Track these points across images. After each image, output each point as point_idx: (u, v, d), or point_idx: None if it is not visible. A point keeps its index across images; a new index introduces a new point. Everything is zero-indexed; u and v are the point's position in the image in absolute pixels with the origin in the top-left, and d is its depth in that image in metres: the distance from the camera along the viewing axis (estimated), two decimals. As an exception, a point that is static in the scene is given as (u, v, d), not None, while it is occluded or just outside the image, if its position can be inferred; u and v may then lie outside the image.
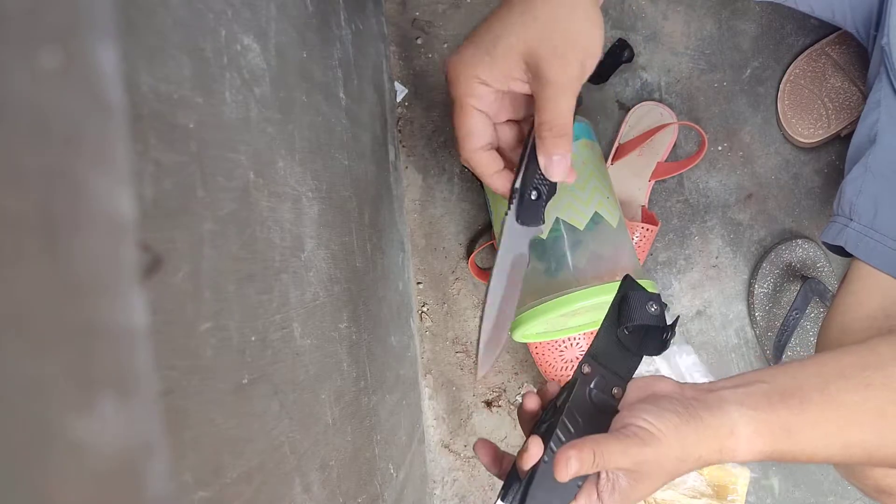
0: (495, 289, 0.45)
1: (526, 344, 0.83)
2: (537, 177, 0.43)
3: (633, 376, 0.43)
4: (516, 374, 0.85)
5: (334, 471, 0.44)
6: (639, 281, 0.63)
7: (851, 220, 0.58)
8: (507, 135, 0.44)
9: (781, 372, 0.41)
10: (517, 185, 0.43)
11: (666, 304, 0.44)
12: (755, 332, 0.82)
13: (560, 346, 0.80)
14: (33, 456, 0.14)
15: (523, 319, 0.64)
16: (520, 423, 0.46)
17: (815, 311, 0.79)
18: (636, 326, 0.43)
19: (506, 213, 0.44)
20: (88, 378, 0.16)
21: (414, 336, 0.81)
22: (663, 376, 0.43)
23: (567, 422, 0.41)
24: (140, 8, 0.24)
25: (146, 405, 0.17)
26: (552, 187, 0.44)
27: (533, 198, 0.43)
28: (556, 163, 0.39)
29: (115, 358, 0.16)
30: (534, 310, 0.63)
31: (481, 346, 0.45)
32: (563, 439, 0.40)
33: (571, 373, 0.80)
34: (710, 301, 0.83)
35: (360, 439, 0.51)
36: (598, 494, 0.40)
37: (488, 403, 0.85)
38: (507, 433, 0.85)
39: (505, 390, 0.85)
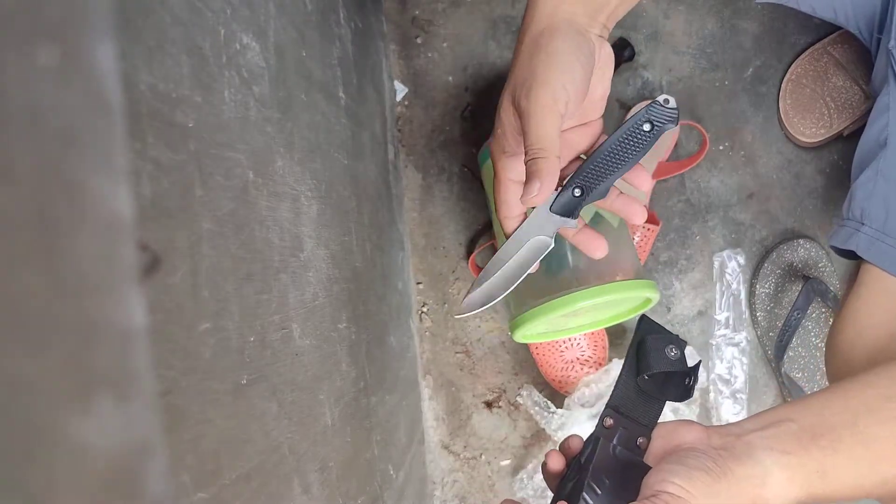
0: (505, 253, 0.44)
1: (526, 344, 0.82)
2: (588, 178, 0.44)
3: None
4: (516, 374, 0.85)
5: (334, 472, 0.44)
6: (639, 281, 0.63)
7: (863, 224, 0.58)
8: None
9: (807, 408, 0.40)
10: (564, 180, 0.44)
11: (685, 342, 0.42)
12: (756, 332, 0.82)
13: (560, 346, 0.80)
14: (32, 456, 0.14)
15: (524, 320, 0.64)
16: (545, 479, 0.45)
17: (817, 312, 0.78)
18: (658, 372, 0.42)
19: None
20: (87, 378, 0.15)
21: (414, 336, 0.81)
22: (688, 421, 0.41)
23: (593, 484, 0.40)
24: (138, 6, 0.24)
25: (144, 405, 0.17)
26: (601, 192, 0.44)
27: (576, 194, 0.44)
28: (539, 186, 0.40)
29: (113, 358, 0.16)
30: (534, 310, 0.63)
31: (471, 295, 0.45)
32: (591, 502, 0.40)
33: (572, 373, 0.80)
34: (711, 301, 0.83)
35: (359, 440, 0.51)
36: None
37: (488, 404, 0.85)
38: (506, 434, 0.85)
39: (505, 391, 0.85)
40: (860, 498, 0.39)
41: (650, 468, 0.39)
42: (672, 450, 0.40)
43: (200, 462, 0.27)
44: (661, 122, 0.43)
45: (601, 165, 0.43)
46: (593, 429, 0.42)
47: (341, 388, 0.47)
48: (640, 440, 0.41)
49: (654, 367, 0.40)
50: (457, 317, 0.42)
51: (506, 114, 0.41)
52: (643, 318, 0.43)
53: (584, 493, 0.39)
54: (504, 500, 0.45)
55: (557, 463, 0.44)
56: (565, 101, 0.40)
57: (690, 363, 0.42)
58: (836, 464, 0.37)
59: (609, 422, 0.41)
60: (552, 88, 0.40)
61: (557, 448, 0.44)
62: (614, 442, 0.41)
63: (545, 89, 0.40)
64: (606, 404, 0.42)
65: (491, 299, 0.46)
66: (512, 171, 0.42)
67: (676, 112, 0.43)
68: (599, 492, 0.40)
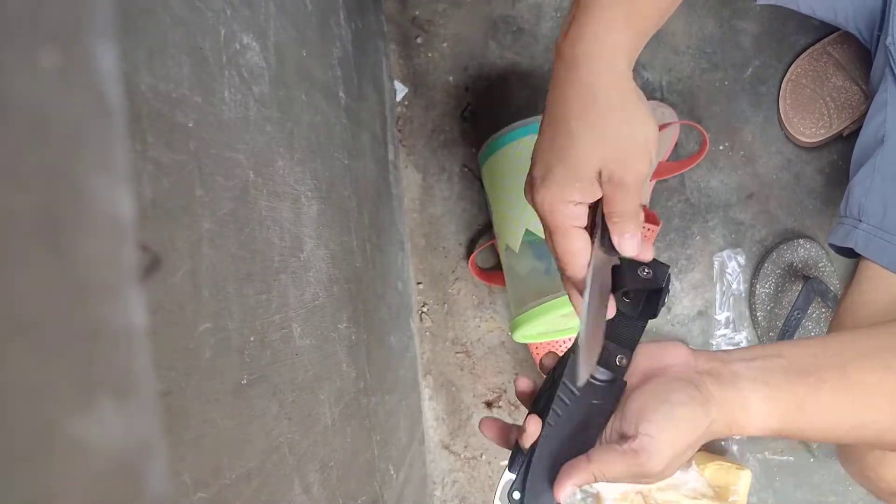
0: (593, 294, 0.43)
1: (526, 344, 0.82)
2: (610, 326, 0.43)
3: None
4: (516, 374, 0.85)
5: (334, 471, 0.44)
6: None
7: (861, 221, 0.58)
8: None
9: (802, 347, 0.40)
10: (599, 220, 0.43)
11: (666, 265, 0.42)
12: (757, 332, 0.82)
13: (560, 346, 0.80)
14: (32, 456, 0.14)
15: (523, 320, 0.64)
16: (519, 401, 0.46)
17: (817, 311, 0.78)
18: (635, 292, 0.43)
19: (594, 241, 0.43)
20: (88, 378, 0.15)
21: (414, 336, 0.81)
22: (675, 342, 0.42)
23: (563, 397, 0.41)
24: (139, 7, 0.24)
25: (145, 405, 0.17)
26: (628, 332, 0.44)
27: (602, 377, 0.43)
28: (628, 239, 0.41)
29: (114, 358, 0.16)
30: (534, 310, 0.63)
31: (582, 348, 0.44)
32: (560, 414, 0.41)
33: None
34: (711, 301, 0.83)
35: (359, 440, 0.51)
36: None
37: (488, 404, 0.85)
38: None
39: (505, 391, 0.85)
40: (841, 439, 0.39)
41: (625, 383, 0.41)
42: (658, 370, 0.41)
43: (201, 462, 0.27)
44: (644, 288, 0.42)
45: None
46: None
47: (341, 388, 0.47)
48: (620, 358, 0.42)
49: (627, 284, 0.41)
50: (579, 385, 0.42)
51: (591, 176, 0.40)
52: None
53: (554, 406, 0.41)
54: (483, 418, 0.46)
55: (524, 384, 0.45)
56: (654, 163, 0.41)
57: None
58: (817, 401, 0.38)
59: None
60: (648, 159, 0.40)
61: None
62: None
63: (643, 163, 0.40)
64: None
65: (598, 345, 0.44)
66: (579, 220, 0.42)
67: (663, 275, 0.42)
68: (569, 402, 0.41)
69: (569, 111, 0.40)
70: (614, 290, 0.42)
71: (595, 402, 0.41)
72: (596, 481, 0.38)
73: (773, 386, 0.38)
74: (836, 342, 0.41)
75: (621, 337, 0.42)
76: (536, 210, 0.43)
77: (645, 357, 0.42)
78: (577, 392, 0.41)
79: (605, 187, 0.41)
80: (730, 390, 0.38)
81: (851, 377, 0.38)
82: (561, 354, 0.45)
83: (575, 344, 0.42)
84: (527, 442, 0.41)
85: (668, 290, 0.42)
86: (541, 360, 0.46)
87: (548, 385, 0.44)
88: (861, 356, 0.39)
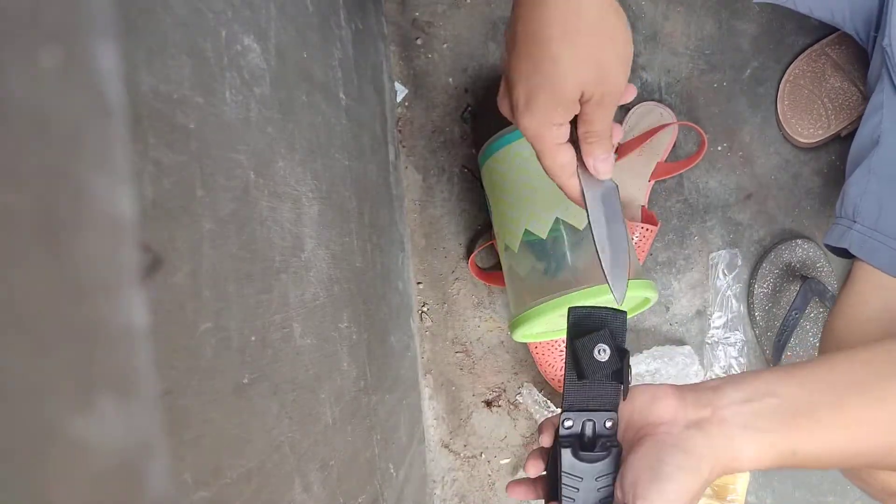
0: (598, 222, 0.45)
1: (526, 344, 0.83)
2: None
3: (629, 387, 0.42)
4: (516, 373, 0.85)
5: (334, 471, 0.44)
6: (637, 280, 0.63)
7: (855, 221, 0.58)
8: None
9: (795, 384, 0.39)
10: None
11: (619, 321, 0.41)
12: (755, 332, 0.82)
13: (560, 346, 0.80)
14: (33, 455, 0.14)
15: (523, 319, 0.64)
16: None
17: (815, 311, 0.79)
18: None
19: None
20: (89, 378, 0.16)
21: (414, 336, 0.81)
22: (663, 390, 0.41)
23: (569, 484, 0.41)
24: (140, 8, 0.24)
25: (146, 405, 0.17)
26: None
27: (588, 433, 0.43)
28: (603, 161, 0.44)
29: (115, 358, 0.16)
30: (534, 310, 0.63)
31: (608, 274, 0.45)
32: (573, 498, 0.41)
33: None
34: (709, 301, 0.83)
35: (359, 439, 0.51)
36: None
37: (488, 403, 0.85)
38: (506, 433, 0.85)
39: (505, 390, 0.85)
40: (836, 467, 0.39)
41: (620, 446, 0.41)
42: (649, 428, 0.40)
43: (201, 461, 0.27)
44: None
45: None
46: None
47: (342, 388, 0.48)
48: (608, 423, 0.42)
49: (587, 374, 0.40)
50: (620, 306, 0.42)
51: (574, 98, 0.41)
52: (570, 311, 0.42)
53: (564, 494, 0.41)
54: (508, 483, 0.47)
55: (534, 469, 0.45)
56: (626, 80, 0.42)
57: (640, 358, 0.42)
58: (811, 441, 0.38)
59: (569, 423, 0.42)
60: (624, 76, 0.41)
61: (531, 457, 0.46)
62: (582, 435, 0.42)
63: (622, 80, 0.41)
64: (562, 408, 0.42)
65: (624, 263, 0.46)
66: (562, 137, 0.44)
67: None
68: (578, 488, 0.41)
69: (550, 32, 0.40)
70: (577, 377, 0.41)
71: (601, 477, 0.41)
72: None
73: (765, 431, 0.38)
74: (827, 370, 0.40)
75: (600, 402, 0.42)
76: (521, 131, 0.44)
77: (635, 412, 0.42)
78: (581, 476, 0.41)
79: (584, 107, 0.42)
80: (720, 440, 0.38)
81: (847, 414, 0.38)
82: (559, 409, 0.45)
83: (559, 427, 0.42)
84: None
85: (630, 380, 0.41)
86: (540, 429, 0.46)
87: (552, 467, 0.43)
88: (856, 388, 0.39)
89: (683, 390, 0.41)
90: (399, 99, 0.82)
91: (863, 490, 0.54)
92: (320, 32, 0.49)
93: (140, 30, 0.24)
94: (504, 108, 0.44)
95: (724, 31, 0.81)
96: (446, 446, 0.86)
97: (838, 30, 0.74)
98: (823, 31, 0.79)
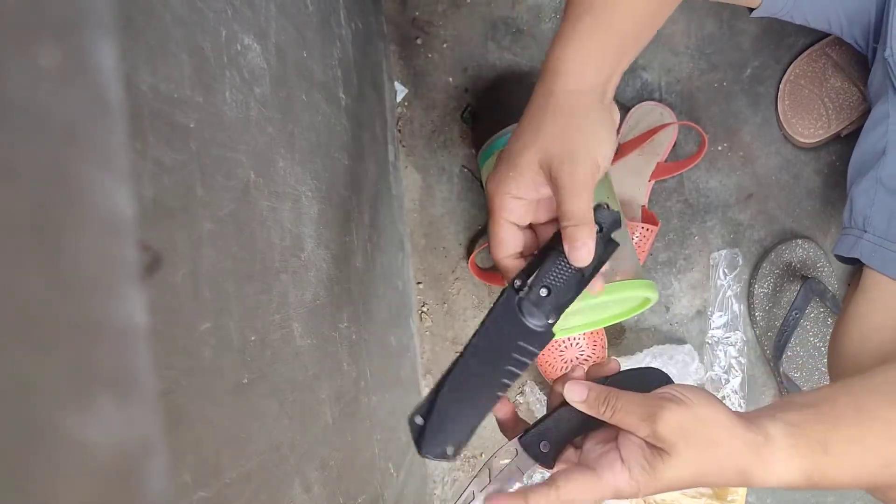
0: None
1: (526, 344, 0.82)
2: (553, 273, 0.42)
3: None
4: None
5: (334, 471, 0.44)
6: (638, 281, 0.63)
7: (865, 231, 0.59)
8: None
9: (807, 394, 0.40)
10: (530, 278, 0.42)
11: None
12: (755, 331, 0.82)
13: (560, 346, 0.80)
14: (33, 455, 0.14)
15: (523, 319, 0.64)
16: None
17: (815, 311, 0.79)
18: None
19: (503, 293, 0.42)
20: (88, 378, 0.15)
21: (414, 336, 0.81)
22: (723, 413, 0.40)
23: (489, 324, 0.41)
24: (140, 6, 0.24)
25: (145, 405, 0.17)
26: (567, 292, 0.42)
27: (542, 294, 0.42)
28: (579, 248, 0.41)
29: (114, 357, 0.16)
30: (534, 310, 0.63)
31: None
32: (480, 345, 0.41)
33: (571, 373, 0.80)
34: (710, 301, 0.83)
35: (359, 439, 0.51)
36: (622, 462, 0.38)
37: (488, 403, 0.85)
38: (506, 433, 0.85)
39: (505, 390, 0.85)
40: (864, 483, 0.39)
41: (550, 333, 0.42)
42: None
43: (201, 461, 0.27)
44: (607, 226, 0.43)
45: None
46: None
47: (342, 388, 0.47)
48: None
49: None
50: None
51: (529, 171, 0.41)
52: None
53: (476, 337, 0.41)
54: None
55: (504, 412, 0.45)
56: (599, 174, 0.41)
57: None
58: (838, 438, 0.37)
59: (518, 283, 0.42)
60: (591, 164, 0.40)
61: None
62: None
63: (585, 166, 0.40)
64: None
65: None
66: (512, 213, 0.43)
67: (618, 213, 0.44)
68: (491, 335, 0.41)
69: (537, 102, 0.42)
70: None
71: (521, 342, 0.41)
72: (606, 413, 0.38)
73: (792, 423, 0.38)
74: (843, 384, 0.41)
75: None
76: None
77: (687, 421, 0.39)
78: (506, 327, 0.41)
79: (552, 188, 0.41)
80: (751, 428, 0.37)
81: (866, 411, 0.38)
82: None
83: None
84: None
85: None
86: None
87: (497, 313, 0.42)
88: (872, 392, 0.39)
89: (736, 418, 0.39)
90: (399, 99, 0.82)
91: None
92: (320, 32, 0.49)
93: (140, 29, 0.24)
94: None
95: (724, 30, 0.81)
96: (446, 446, 0.86)
97: (838, 30, 0.74)
98: (824, 31, 0.79)
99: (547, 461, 0.42)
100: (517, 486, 0.42)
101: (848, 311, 0.60)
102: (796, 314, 0.76)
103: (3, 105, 0.13)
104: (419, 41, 0.82)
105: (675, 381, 0.43)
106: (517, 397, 0.84)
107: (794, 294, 0.77)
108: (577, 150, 0.40)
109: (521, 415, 0.43)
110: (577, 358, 0.79)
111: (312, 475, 0.40)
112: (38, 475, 0.14)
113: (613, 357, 0.45)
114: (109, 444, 0.16)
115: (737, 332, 0.81)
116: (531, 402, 0.79)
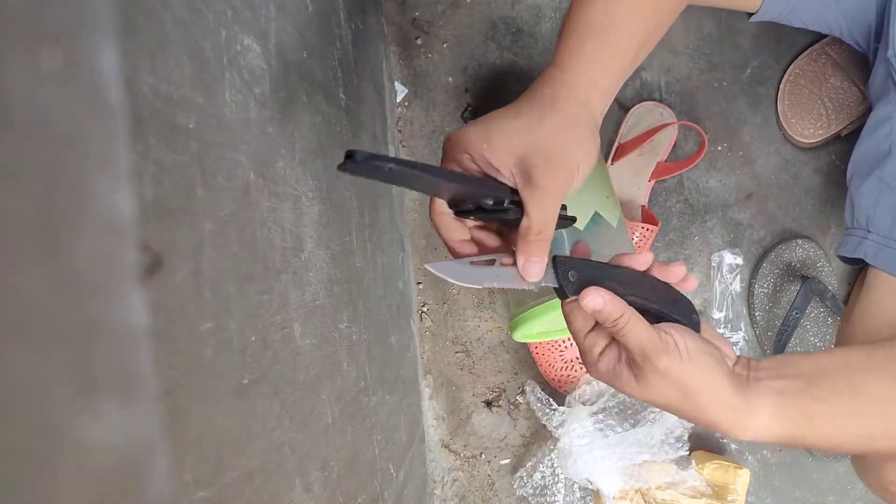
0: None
1: (526, 344, 0.83)
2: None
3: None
4: (516, 373, 0.85)
5: (335, 471, 0.44)
6: None
7: (869, 231, 0.59)
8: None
9: (808, 360, 0.41)
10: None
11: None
12: (755, 331, 0.82)
13: (560, 346, 0.80)
14: (35, 455, 0.14)
15: (523, 319, 0.64)
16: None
17: (815, 311, 0.79)
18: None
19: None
20: (90, 378, 0.16)
21: (414, 336, 0.81)
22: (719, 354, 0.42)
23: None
24: (140, 8, 0.24)
25: (147, 405, 0.17)
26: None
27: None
28: (533, 263, 0.41)
29: (115, 358, 0.16)
30: (534, 310, 0.63)
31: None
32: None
33: (571, 373, 0.80)
34: (710, 301, 0.83)
35: (360, 439, 0.51)
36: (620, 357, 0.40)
37: (488, 403, 0.85)
38: (506, 433, 0.85)
39: (505, 390, 0.85)
40: (851, 449, 0.40)
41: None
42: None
43: (202, 461, 0.27)
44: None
45: None
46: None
47: (342, 388, 0.48)
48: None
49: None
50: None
51: (500, 157, 0.39)
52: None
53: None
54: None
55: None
56: (575, 185, 0.41)
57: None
58: (825, 411, 0.39)
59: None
60: (571, 172, 0.40)
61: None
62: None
63: (565, 171, 0.39)
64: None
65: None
66: (458, 164, 0.41)
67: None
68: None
69: (523, 108, 0.40)
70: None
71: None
72: (615, 323, 0.39)
73: (782, 393, 0.39)
74: (844, 353, 0.42)
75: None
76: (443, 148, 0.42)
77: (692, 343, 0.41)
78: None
79: (521, 186, 0.40)
80: (741, 391, 0.39)
81: (859, 387, 0.39)
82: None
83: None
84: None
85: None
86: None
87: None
88: (870, 367, 0.40)
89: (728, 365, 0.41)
90: (399, 99, 0.82)
91: (878, 494, 0.53)
92: (320, 33, 0.49)
93: (140, 30, 0.24)
94: None
95: (724, 30, 0.81)
96: (446, 446, 0.86)
97: (838, 30, 0.74)
98: (823, 30, 0.79)
99: (566, 289, 0.41)
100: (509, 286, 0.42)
101: (853, 310, 0.60)
102: (796, 314, 0.76)
103: (5, 107, 0.13)
104: (419, 41, 0.82)
105: None
106: (517, 397, 0.85)
107: (794, 294, 0.77)
108: (560, 160, 0.39)
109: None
110: (578, 358, 0.80)
111: (313, 475, 0.40)
112: (40, 475, 0.14)
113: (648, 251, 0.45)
114: (110, 445, 0.16)
115: (737, 332, 0.82)
116: (531, 402, 0.79)
